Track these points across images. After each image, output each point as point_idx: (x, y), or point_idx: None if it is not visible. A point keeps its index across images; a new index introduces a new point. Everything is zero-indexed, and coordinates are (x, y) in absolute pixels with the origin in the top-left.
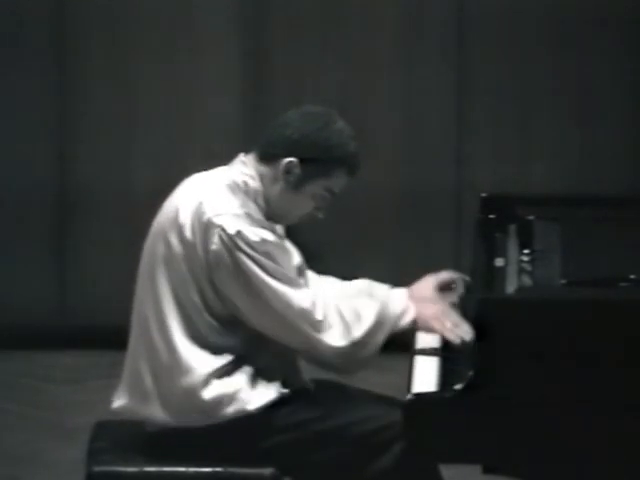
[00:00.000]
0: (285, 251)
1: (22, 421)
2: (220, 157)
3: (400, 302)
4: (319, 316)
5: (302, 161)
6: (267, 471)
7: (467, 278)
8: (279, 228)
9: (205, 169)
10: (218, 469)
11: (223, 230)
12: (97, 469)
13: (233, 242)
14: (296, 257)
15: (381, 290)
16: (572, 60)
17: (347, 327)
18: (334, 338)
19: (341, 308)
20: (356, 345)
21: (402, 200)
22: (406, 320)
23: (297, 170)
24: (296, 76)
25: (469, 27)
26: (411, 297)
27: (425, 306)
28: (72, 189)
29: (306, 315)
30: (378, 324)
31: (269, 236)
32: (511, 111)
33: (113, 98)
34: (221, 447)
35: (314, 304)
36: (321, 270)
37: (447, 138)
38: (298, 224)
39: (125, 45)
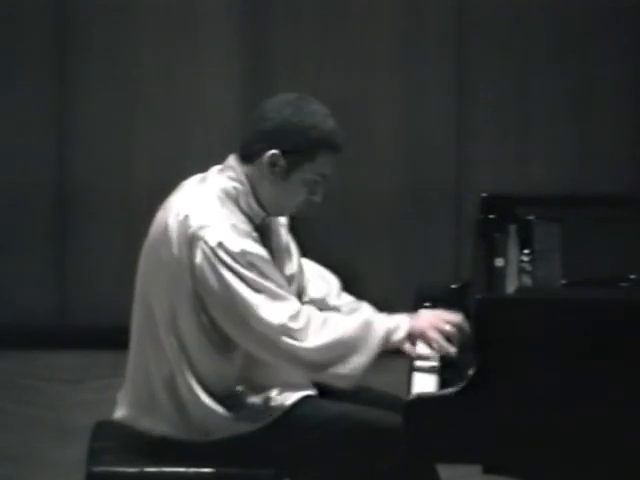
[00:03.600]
0: (266, 261)
1: (22, 421)
2: (220, 157)
3: (392, 318)
4: (298, 325)
5: (284, 151)
6: (267, 471)
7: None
8: (284, 230)
9: (205, 169)
10: (218, 469)
11: (205, 242)
12: (97, 469)
13: (214, 253)
14: (295, 262)
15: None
16: (572, 60)
17: (325, 330)
18: (309, 342)
19: (328, 317)
20: (330, 345)
21: (402, 200)
22: (400, 334)
23: (281, 161)
24: (296, 76)
25: (469, 27)
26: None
27: (419, 318)
28: (72, 189)
29: (283, 328)
30: (364, 332)
31: (252, 247)
32: (511, 111)
33: (113, 98)
34: (221, 447)
35: (294, 315)
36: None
37: (447, 138)
38: (299, 213)
39: (125, 45)
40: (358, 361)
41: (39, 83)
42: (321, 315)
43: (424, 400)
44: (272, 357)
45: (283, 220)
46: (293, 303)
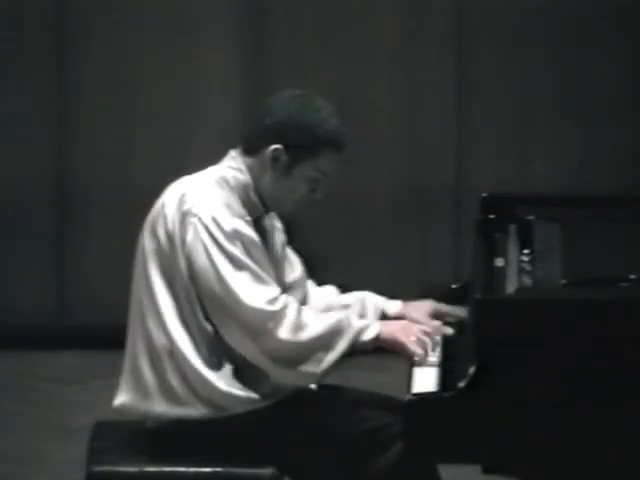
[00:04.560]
0: (257, 246)
1: (22, 421)
2: (220, 157)
3: (363, 319)
4: (275, 307)
5: (287, 146)
6: (267, 471)
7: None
8: (280, 234)
9: (204, 169)
10: (218, 469)
11: (199, 218)
12: (97, 469)
13: (206, 228)
14: (297, 269)
15: (377, 300)
16: (572, 60)
17: (300, 324)
18: (284, 332)
19: (303, 310)
20: (306, 343)
21: (402, 200)
22: (368, 335)
23: (283, 156)
24: (296, 76)
25: (469, 27)
26: (405, 311)
27: (390, 324)
28: (72, 189)
29: (260, 312)
30: (335, 331)
31: (244, 228)
32: (511, 111)
33: (113, 98)
34: (221, 445)
35: (272, 300)
36: (320, 271)
37: (447, 138)
38: (298, 210)
39: (125, 45)
40: (326, 359)
41: (39, 83)
42: (297, 306)
43: (424, 400)
44: (247, 343)
45: (279, 225)
46: (273, 288)
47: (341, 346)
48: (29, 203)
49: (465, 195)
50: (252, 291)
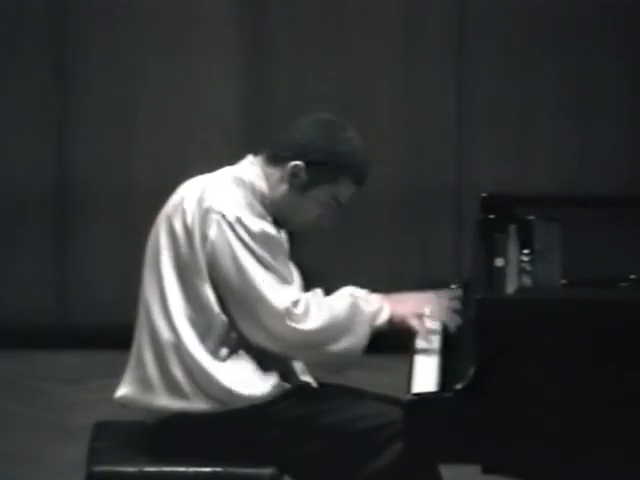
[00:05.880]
0: (282, 247)
1: (22, 421)
2: (220, 157)
3: (374, 302)
4: (299, 310)
5: (308, 165)
6: (267, 471)
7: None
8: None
9: (205, 169)
10: (218, 469)
11: (223, 216)
12: (97, 469)
13: (232, 228)
14: (297, 279)
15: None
16: (572, 60)
17: (323, 313)
18: (310, 324)
19: (321, 302)
20: (327, 329)
21: (402, 200)
22: (382, 318)
23: (303, 174)
24: (296, 76)
25: (469, 27)
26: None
27: (399, 304)
28: (72, 189)
29: (286, 312)
30: (354, 310)
31: (269, 228)
32: (511, 111)
33: (113, 98)
34: (222, 440)
35: (296, 302)
36: (321, 271)
37: (447, 138)
38: (302, 231)
39: (125, 44)
40: (350, 341)
41: (39, 83)
42: (316, 301)
43: (424, 400)
44: (270, 340)
45: (283, 234)
46: (296, 290)
47: (361, 329)
48: (29, 203)
49: (465, 195)
50: (279, 292)
